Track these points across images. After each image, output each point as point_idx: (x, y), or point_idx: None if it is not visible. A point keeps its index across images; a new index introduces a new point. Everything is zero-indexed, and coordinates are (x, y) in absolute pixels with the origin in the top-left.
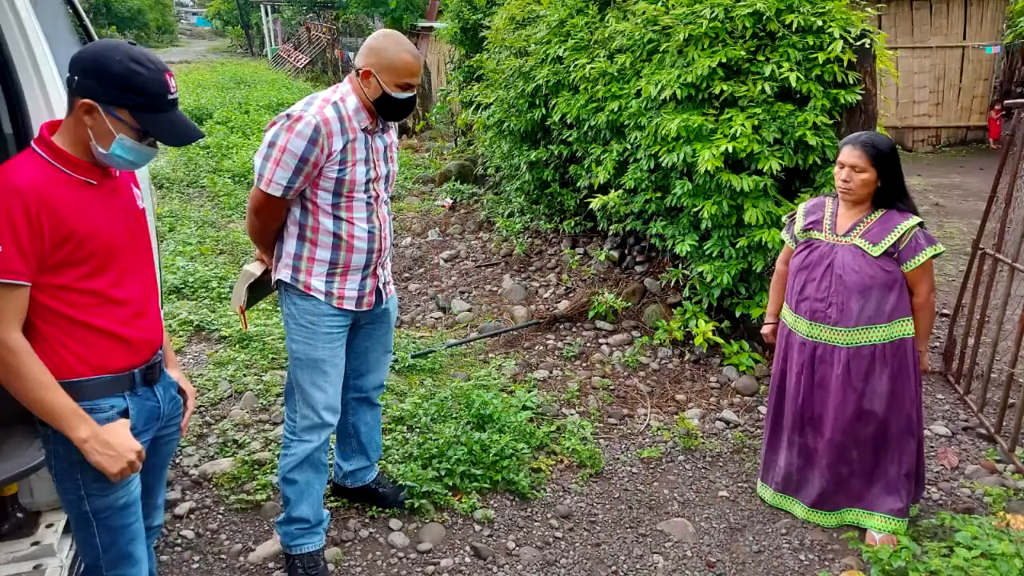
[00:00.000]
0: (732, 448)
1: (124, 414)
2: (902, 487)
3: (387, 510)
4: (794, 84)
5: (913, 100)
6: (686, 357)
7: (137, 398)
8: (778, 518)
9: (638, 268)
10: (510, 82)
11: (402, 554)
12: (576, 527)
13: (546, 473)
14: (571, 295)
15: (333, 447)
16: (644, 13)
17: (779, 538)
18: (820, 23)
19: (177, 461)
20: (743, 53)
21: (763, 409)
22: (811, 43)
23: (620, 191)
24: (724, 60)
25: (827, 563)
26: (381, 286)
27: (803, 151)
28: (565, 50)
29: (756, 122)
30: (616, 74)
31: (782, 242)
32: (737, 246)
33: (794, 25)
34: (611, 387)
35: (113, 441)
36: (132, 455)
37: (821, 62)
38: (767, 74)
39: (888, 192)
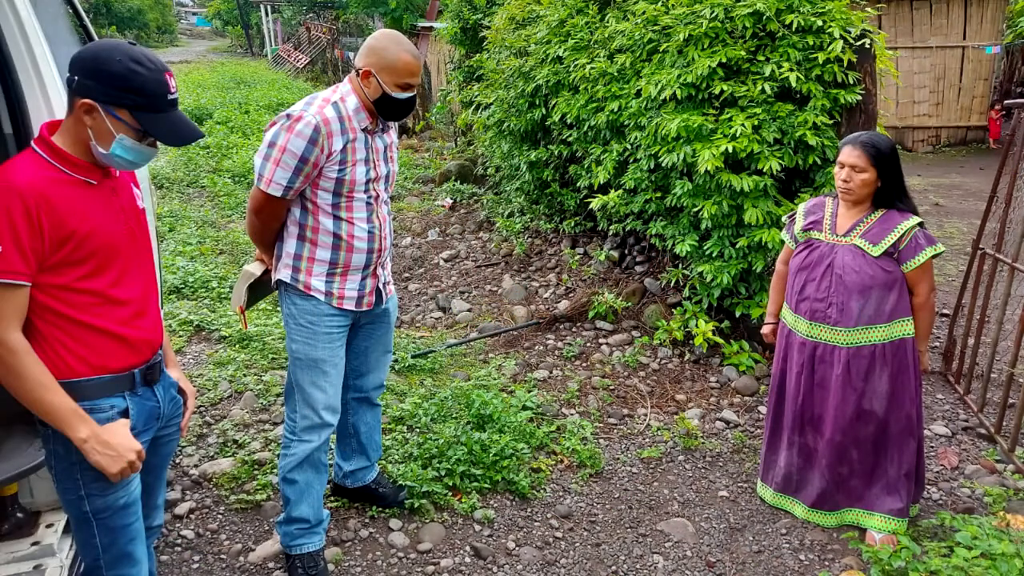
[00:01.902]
0: (732, 448)
1: (124, 414)
2: (902, 487)
3: (387, 510)
4: (794, 84)
5: (913, 100)
6: (686, 357)
7: (137, 398)
8: (778, 518)
9: (638, 268)
10: (510, 82)
11: (402, 554)
12: (576, 527)
13: (546, 473)
14: (571, 295)
15: (333, 447)
16: (644, 13)
17: (779, 538)
18: (820, 23)
19: (177, 461)
20: (743, 53)
21: (763, 409)
22: (811, 43)
23: (620, 191)
24: (724, 60)
25: (827, 563)
26: (381, 286)
27: (803, 151)
28: (565, 50)
29: (756, 122)
30: (616, 74)
31: (782, 242)
32: (737, 246)
33: (794, 25)
34: (611, 387)
35: (113, 441)
36: (132, 455)
37: (821, 62)
38: (767, 74)
39: (888, 192)
